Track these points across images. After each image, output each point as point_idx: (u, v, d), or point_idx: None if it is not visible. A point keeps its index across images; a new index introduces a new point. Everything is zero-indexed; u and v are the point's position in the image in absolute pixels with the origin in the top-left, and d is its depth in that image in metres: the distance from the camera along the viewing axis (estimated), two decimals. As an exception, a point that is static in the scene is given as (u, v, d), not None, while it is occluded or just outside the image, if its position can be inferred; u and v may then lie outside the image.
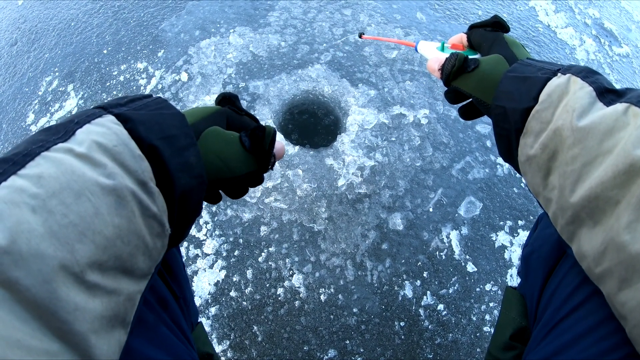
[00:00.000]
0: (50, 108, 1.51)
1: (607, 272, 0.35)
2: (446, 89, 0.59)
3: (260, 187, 1.25)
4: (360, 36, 0.97)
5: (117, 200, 0.30)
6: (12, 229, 0.24)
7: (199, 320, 0.65)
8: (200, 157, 0.39)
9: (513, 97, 0.45)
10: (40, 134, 0.31)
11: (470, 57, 0.54)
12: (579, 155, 0.37)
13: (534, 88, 0.44)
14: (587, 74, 0.41)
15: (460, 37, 0.64)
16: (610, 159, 0.34)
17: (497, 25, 0.58)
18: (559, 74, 0.43)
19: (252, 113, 1.38)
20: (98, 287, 0.28)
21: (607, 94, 0.39)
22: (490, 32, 0.58)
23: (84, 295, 0.26)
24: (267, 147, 0.48)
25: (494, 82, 0.50)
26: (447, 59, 0.55)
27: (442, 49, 0.66)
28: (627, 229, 0.32)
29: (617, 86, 0.40)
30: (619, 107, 0.36)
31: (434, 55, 0.63)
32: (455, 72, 0.53)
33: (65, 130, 0.31)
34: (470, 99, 0.57)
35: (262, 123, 0.52)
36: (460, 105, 0.61)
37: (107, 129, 0.33)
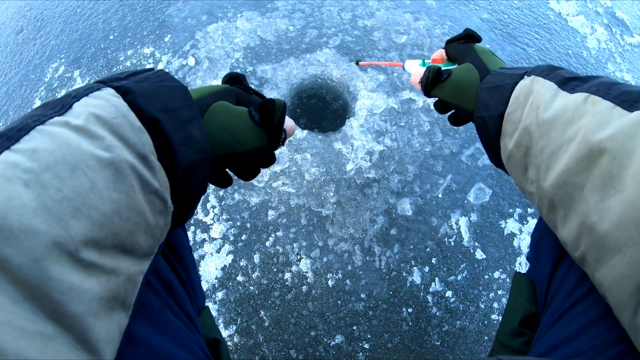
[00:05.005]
0: (56, 94, 1.50)
1: (584, 255, 0.36)
2: (435, 100, 0.65)
3: (267, 171, 1.23)
4: (357, 63, 1.20)
5: (115, 174, 0.29)
6: (3, 204, 0.22)
7: (205, 305, 0.64)
8: (204, 132, 0.38)
9: (488, 106, 0.49)
10: (37, 109, 0.30)
11: (444, 68, 0.60)
12: (545, 146, 0.40)
13: (504, 94, 0.47)
14: (548, 72, 0.44)
15: (440, 53, 0.70)
16: (572, 146, 0.36)
17: (468, 37, 0.64)
18: (525, 77, 0.46)
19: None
20: (95, 266, 0.26)
21: (570, 81, 0.41)
22: (462, 45, 0.63)
23: (79, 274, 0.25)
24: (277, 120, 0.47)
25: (465, 88, 0.55)
26: (424, 72, 0.61)
27: (423, 64, 0.73)
28: (594, 210, 0.34)
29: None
30: (579, 97, 0.38)
31: (416, 70, 0.70)
32: (430, 82, 0.59)
33: (62, 104, 0.30)
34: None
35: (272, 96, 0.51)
36: (448, 114, 0.67)
37: (105, 101, 0.31)
